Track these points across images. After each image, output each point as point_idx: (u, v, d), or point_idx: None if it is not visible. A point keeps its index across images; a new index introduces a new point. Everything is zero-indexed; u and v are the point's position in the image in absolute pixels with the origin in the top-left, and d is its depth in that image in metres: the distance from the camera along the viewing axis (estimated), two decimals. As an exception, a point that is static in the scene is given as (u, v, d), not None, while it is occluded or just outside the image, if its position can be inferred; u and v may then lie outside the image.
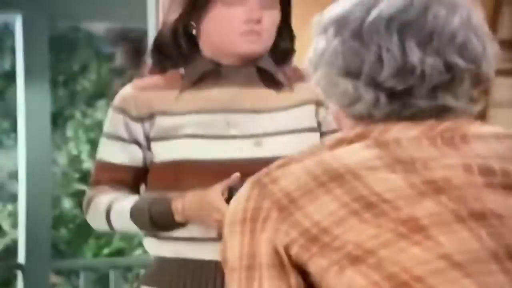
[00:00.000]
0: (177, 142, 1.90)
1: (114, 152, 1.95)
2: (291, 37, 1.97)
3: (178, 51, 1.92)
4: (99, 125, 8.68)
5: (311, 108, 1.92)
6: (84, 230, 8.91)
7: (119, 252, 9.25)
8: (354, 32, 1.21)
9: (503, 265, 1.12)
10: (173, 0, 1.94)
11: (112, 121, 1.95)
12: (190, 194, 1.85)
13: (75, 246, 8.91)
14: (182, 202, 1.85)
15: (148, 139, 1.93)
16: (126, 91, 1.96)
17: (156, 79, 1.96)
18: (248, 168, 1.71)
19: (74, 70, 8.42)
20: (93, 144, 8.84)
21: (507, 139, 1.24)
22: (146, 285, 1.99)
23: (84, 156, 8.61)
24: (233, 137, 1.89)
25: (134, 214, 1.90)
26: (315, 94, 1.86)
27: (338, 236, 1.14)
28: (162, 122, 1.92)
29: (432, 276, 1.11)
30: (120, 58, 8.49)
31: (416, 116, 1.22)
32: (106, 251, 9.18)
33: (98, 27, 8.02)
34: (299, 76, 1.92)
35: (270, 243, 1.17)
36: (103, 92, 8.49)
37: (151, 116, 1.92)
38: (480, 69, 1.22)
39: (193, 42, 1.93)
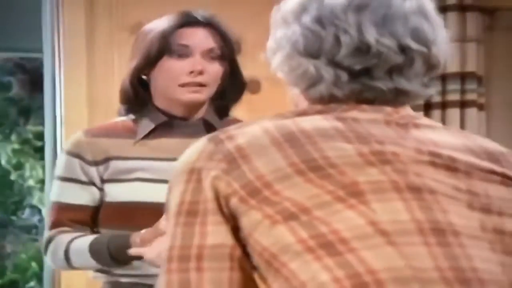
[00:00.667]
0: (128, 184, 2.08)
1: (73, 194, 2.10)
2: (237, 89, 2.16)
3: (136, 98, 2.12)
4: (-7, 154, 8.54)
5: None
6: (-25, 262, 8.72)
7: (12, 284, 9.09)
8: (313, 17, 1.27)
9: (425, 238, 1.15)
10: (132, 51, 2.15)
11: (67, 165, 2.11)
12: (147, 229, 1.99)
13: (-34, 278, 8.71)
14: (140, 236, 1.99)
15: (102, 181, 2.10)
16: (79, 137, 2.13)
17: (111, 126, 2.16)
18: None
19: (-31, 99, 8.30)
20: (-13, 174, 8.70)
21: (462, 136, 1.29)
22: None
23: (-22, 186, 8.44)
24: None
25: (93, 250, 2.04)
26: None
27: (278, 191, 1.16)
28: (116, 165, 2.09)
29: (357, 240, 1.13)
30: (16, 88, 8.43)
31: (375, 100, 1.28)
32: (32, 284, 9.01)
33: (-5, 56, 7.96)
34: None
35: (214, 191, 1.19)
36: (-1, 122, 8.41)
37: (106, 160, 2.09)
38: (430, 52, 1.28)
39: (149, 91, 2.15)
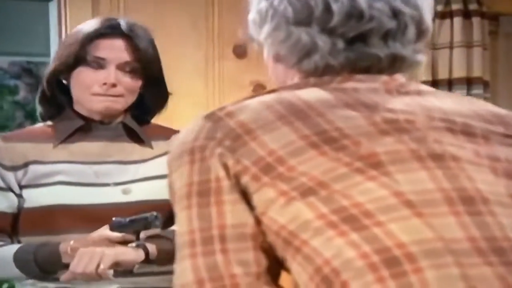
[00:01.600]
0: (50, 188, 2.02)
1: None
2: (157, 98, 2.15)
3: (53, 101, 2.11)
4: (0, 158, 8.56)
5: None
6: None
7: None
8: None
9: (454, 207, 1.09)
10: (56, 52, 2.15)
11: None
12: (77, 237, 1.95)
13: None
14: (70, 245, 1.93)
15: (20, 187, 2.04)
16: None
17: (29, 131, 2.15)
18: (117, 211, 1.95)
19: (-24, 103, 8.32)
20: (-6, 178, 8.73)
21: (467, 102, 1.24)
22: None
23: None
24: (103, 185, 2.04)
25: (19, 259, 1.97)
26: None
27: (293, 166, 1.10)
28: (36, 170, 2.04)
29: (382, 213, 1.07)
30: (23, 91, 8.46)
31: (370, 68, 1.22)
32: (5, 286, 9.01)
33: (1, 61, 7.98)
34: (159, 133, 2.14)
35: (224, 169, 1.12)
36: (6, 125, 8.42)
37: (25, 165, 2.04)
38: (422, 16, 1.24)
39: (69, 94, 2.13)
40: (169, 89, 2.17)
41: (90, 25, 2.10)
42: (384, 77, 1.23)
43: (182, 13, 3.42)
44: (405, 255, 1.05)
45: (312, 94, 1.17)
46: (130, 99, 2.09)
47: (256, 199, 1.11)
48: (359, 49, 1.21)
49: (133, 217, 1.91)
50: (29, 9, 4.15)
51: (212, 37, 3.44)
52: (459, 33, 3.79)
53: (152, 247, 1.94)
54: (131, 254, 1.91)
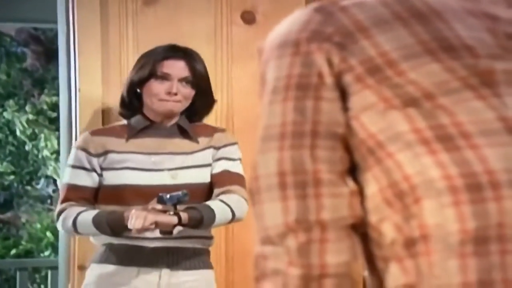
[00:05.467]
0: (120, 172, 2.83)
1: (80, 178, 2.86)
2: (205, 104, 2.93)
3: (130, 105, 2.91)
4: (7, 124, 8.58)
5: (209, 151, 2.89)
6: (-9, 232, 8.80)
7: (27, 254, 9.17)
8: None
9: None
10: (134, 67, 2.91)
11: (77, 156, 2.88)
12: (137, 207, 2.72)
13: (-19, 247, 8.78)
14: (130, 212, 2.69)
15: (101, 169, 2.84)
16: (86, 136, 2.91)
17: (111, 127, 2.98)
18: (166, 190, 2.71)
19: (-16, 70, 8.33)
20: (1, 144, 8.73)
21: None
22: (97, 263, 2.86)
23: (-8, 156, 8.49)
24: (157, 170, 2.83)
25: (96, 222, 2.77)
26: (213, 142, 2.89)
27: (403, 71, 1.04)
28: (112, 157, 2.85)
29: (481, 136, 1.01)
30: (30, 59, 8.46)
31: None
32: (13, 252, 9.09)
33: (9, 27, 7.97)
34: (205, 131, 2.92)
35: (328, 65, 1.06)
36: (13, 92, 8.42)
37: (105, 153, 2.85)
38: None
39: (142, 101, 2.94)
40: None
41: (160, 49, 2.87)
42: None
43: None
44: (490, 182, 1.00)
45: None
46: (185, 104, 2.87)
47: (354, 101, 1.05)
48: None
49: (171, 194, 2.67)
50: (36, -25, 4.13)
51: (221, 3, 3.43)
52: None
53: (184, 215, 2.68)
54: (167, 218, 2.66)
